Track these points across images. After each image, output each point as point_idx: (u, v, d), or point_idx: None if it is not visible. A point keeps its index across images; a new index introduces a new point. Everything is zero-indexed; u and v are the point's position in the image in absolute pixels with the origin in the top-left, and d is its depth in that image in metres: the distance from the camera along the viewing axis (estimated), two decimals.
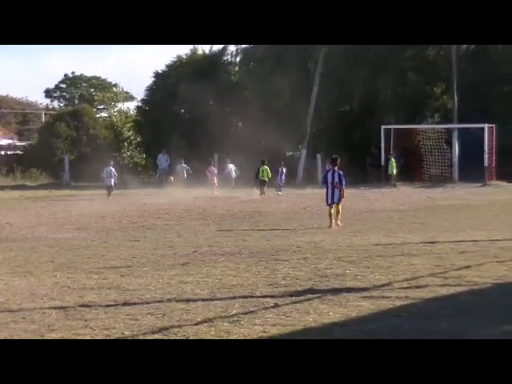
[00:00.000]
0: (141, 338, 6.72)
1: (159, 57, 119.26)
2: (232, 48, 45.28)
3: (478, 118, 35.88)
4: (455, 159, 37.39)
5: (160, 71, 47.22)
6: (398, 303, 8.04)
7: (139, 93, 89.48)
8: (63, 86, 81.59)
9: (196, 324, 7.21)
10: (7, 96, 76.94)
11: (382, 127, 37.76)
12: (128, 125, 49.12)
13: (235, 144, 36.62)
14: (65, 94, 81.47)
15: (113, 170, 31.27)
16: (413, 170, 37.71)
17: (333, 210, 17.02)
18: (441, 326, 6.93)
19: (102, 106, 57.17)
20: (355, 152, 35.67)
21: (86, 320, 7.49)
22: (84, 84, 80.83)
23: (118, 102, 53.97)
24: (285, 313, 7.64)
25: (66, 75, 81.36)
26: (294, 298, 8.41)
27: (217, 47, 46.22)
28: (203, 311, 7.78)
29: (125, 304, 8.25)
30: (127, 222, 19.23)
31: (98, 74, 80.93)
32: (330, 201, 17.13)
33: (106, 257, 12.43)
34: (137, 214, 21.93)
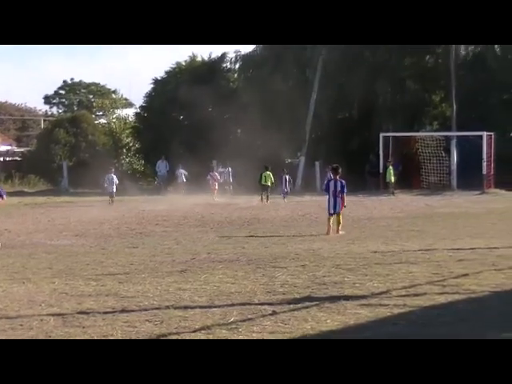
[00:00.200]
0: None
1: (158, 63, 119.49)
2: (231, 55, 45.47)
3: (477, 126, 35.94)
4: (454, 167, 37.44)
5: (159, 78, 47.33)
6: (396, 311, 8.04)
7: (138, 99, 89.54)
8: (62, 92, 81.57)
9: (194, 331, 7.20)
10: (6, 102, 77.00)
11: (381, 135, 37.79)
12: (127, 131, 49.17)
13: (234, 150, 36.65)
14: (64, 100, 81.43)
15: (114, 176, 31.33)
16: (411, 178, 37.73)
17: (332, 219, 17.03)
18: (439, 334, 6.92)
19: (101, 113, 57.22)
20: (354, 159, 35.70)
21: (83, 327, 7.48)
22: (83, 90, 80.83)
23: (117, 108, 54.04)
24: (283, 320, 7.64)
25: (65, 81, 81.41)
26: (291, 305, 8.41)
27: (216, 54, 46.44)
28: (201, 318, 7.78)
29: (123, 311, 8.25)
30: (126, 229, 19.23)
31: (97, 81, 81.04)
32: (332, 210, 17.13)
33: (104, 263, 12.42)
34: (135, 220, 21.92)
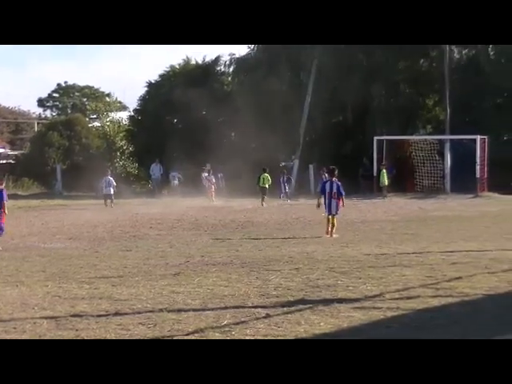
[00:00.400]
0: None
1: (152, 67, 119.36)
2: (225, 58, 45.51)
3: (470, 130, 35.98)
4: (447, 170, 37.49)
5: (153, 81, 47.33)
6: (390, 314, 8.04)
7: (132, 102, 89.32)
8: (56, 95, 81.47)
9: (187, 334, 7.19)
10: (0, 105, 76.82)
11: (375, 138, 37.84)
12: (121, 134, 49.12)
13: (228, 153, 36.63)
14: (57, 103, 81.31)
15: (111, 179, 31.39)
16: (405, 181, 37.75)
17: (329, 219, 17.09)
18: (432, 337, 6.92)
19: (95, 116, 57.19)
20: (347, 163, 35.68)
21: (77, 330, 7.47)
22: (77, 93, 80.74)
23: (111, 111, 54.03)
24: (276, 323, 7.64)
25: (58, 84, 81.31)
26: (285, 308, 8.41)
27: (210, 57, 46.47)
28: (194, 321, 7.77)
29: (116, 314, 8.24)
30: (119, 232, 19.21)
31: (90, 84, 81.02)
32: (328, 211, 17.17)
33: (97, 267, 12.41)
34: (129, 223, 21.89)
